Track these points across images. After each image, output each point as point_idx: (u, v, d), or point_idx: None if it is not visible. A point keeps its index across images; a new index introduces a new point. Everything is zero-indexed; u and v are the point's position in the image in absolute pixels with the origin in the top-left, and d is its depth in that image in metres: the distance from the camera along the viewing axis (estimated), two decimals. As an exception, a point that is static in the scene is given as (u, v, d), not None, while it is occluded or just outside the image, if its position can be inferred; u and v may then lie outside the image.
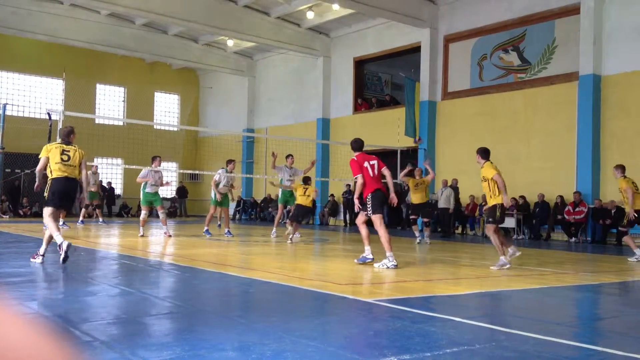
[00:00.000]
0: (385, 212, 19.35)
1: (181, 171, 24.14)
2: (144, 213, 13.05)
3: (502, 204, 8.41)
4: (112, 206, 25.87)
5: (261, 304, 5.30)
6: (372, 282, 6.91)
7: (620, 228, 11.04)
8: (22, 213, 22.24)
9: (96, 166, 17.56)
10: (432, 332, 3.95)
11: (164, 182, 13.20)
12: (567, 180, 16.16)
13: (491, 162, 8.65)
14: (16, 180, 22.67)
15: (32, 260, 7.47)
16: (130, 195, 25.61)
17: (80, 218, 17.38)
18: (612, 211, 14.64)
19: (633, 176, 10.24)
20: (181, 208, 27.75)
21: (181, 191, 27.89)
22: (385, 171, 8.37)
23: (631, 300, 6.52)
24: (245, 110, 27.57)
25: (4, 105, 14.12)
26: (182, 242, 12.39)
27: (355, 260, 8.28)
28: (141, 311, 4.71)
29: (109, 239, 13.29)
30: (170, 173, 29.04)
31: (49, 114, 12.92)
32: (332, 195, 22.65)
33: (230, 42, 25.50)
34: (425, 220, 13.50)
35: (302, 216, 12.74)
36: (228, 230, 13.83)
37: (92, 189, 17.25)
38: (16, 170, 21.19)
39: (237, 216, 25.70)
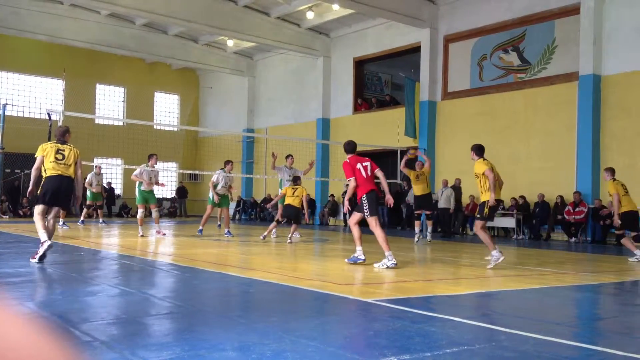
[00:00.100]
0: (385, 212, 19.54)
1: (181, 171, 24.14)
2: (140, 211, 13.03)
3: (489, 201, 8.39)
4: (112, 206, 25.86)
5: (261, 304, 5.29)
6: (372, 282, 6.91)
7: (615, 232, 11.04)
8: (22, 213, 22.23)
9: (99, 167, 17.51)
10: (432, 332, 3.95)
11: (159, 182, 13.19)
12: (567, 180, 16.16)
13: (484, 159, 8.64)
14: (16, 181, 22.67)
15: (31, 260, 7.47)
16: (130, 196, 25.51)
17: (81, 218, 17.38)
18: (611, 212, 14.64)
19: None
20: (181, 208, 27.75)
21: (181, 191, 27.89)
22: (379, 173, 8.42)
23: (631, 300, 6.52)
24: (245, 110, 27.57)
25: (4, 106, 14.12)
26: (182, 242, 12.40)
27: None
28: (141, 311, 4.71)
29: (109, 239, 13.28)
30: (170, 173, 29.06)
31: (48, 114, 12.93)
32: (332, 195, 22.66)
33: (230, 42, 25.51)
34: (427, 213, 13.47)
35: (288, 216, 12.70)
36: (228, 231, 13.83)
37: (95, 190, 17.23)
38: (16, 171, 21.21)
39: (237, 216, 25.70)
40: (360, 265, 8.06)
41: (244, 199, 26.39)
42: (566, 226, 15.77)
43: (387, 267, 7.72)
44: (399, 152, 18.89)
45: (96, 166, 17.49)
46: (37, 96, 26.02)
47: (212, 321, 4.27)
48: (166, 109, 30.42)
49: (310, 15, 21.50)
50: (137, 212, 13.23)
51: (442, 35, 19.53)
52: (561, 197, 15.98)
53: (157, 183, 13.06)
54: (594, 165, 15.55)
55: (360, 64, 23.11)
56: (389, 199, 8.31)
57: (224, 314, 4.60)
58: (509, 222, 16.72)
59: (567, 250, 13.07)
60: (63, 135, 7.85)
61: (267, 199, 24.79)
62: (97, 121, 24.44)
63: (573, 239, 15.53)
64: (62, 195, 7.64)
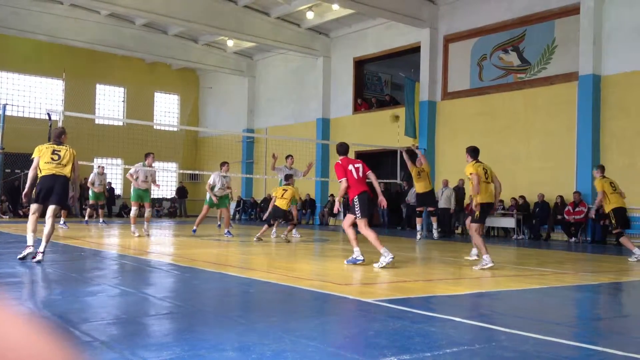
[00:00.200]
0: (385, 212, 19.53)
1: (181, 171, 24.15)
2: (134, 209, 13.00)
3: (481, 203, 8.42)
4: (112, 206, 25.86)
5: (261, 304, 5.30)
6: (372, 282, 6.91)
7: (613, 231, 11.06)
8: (22, 213, 22.21)
9: (102, 167, 17.51)
10: (432, 332, 3.95)
11: (156, 181, 13.17)
12: (567, 180, 16.16)
13: (475, 162, 8.67)
14: (16, 181, 22.66)
15: (32, 260, 7.48)
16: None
17: (86, 218, 17.45)
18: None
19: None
20: (181, 208, 27.75)
21: (181, 191, 27.89)
22: (371, 175, 8.54)
23: (631, 300, 6.52)
24: (245, 111, 27.57)
25: (4, 106, 14.14)
26: (182, 242, 12.39)
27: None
28: (141, 311, 4.71)
29: (109, 239, 13.28)
30: (170, 173, 29.06)
31: (48, 114, 12.92)
32: (331, 195, 22.66)
33: (230, 42, 25.51)
34: (430, 209, 13.45)
35: (277, 218, 12.70)
36: (228, 231, 13.83)
37: (97, 190, 17.23)
38: (16, 171, 21.20)
39: (237, 216, 25.70)
40: (359, 265, 8.07)
41: (243, 199, 26.40)
42: (566, 226, 15.77)
43: (387, 264, 7.71)
44: (398, 152, 18.88)
45: (99, 166, 17.50)
46: (37, 96, 26.01)
47: (212, 321, 4.27)
48: (166, 109, 30.42)
49: (310, 15, 21.50)
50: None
51: (442, 35, 19.53)
52: (561, 197, 15.98)
53: (153, 181, 13.04)
54: (594, 165, 15.53)
55: (360, 64, 23.10)
56: (382, 200, 8.41)
57: (224, 314, 4.60)
58: (509, 222, 16.72)
59: (567, 250, 13.08)
60: (59, 136, 7.98)
61: (267, 199, 24.79)
62: (97, 121, 24.44)
63: (573, 239, 15.53)
64: (56, 193, 7.67)
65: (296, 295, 5.70)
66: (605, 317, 5.27)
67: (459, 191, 17.18)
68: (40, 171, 7.67)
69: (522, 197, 16.69)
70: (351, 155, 8.95)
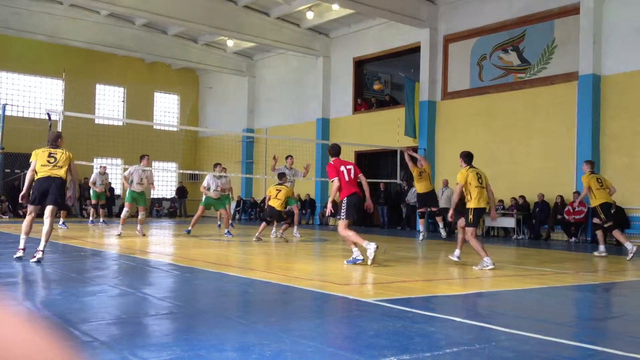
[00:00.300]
0: (385, 212, 19.53)
1: (181, 171, 24.14)
2: (125, 210, 12.96)
3: (475, 208, 8.52)
4: (111, 207, 25.85)
5: (261, 304, 5.29)
6: (372, 282, 6.91)
7: (604, 225, 11.19)
8: (22, 213, 22.20)
9: (104, 167, 17.51)
10: (432, 332, 3.95)
11: (153, 182, 13.16)
12: (567, 180, 16.16)
13: (468, 168, 8.74)
14: (16, 181, 22.65)
15: (31, 260, 7.48)
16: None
17: (90, 218, 17.50)
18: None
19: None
20: (181, 208, 27.75)
21: (181, 191, 27.89)
22: (362, 178, 8.62)
23: (631, 300, 6.52)
24: (245, 111, 27.56)
25: (4, 106, 14.13)
26: (181, 242, 12.39)
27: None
28: (141, 311, 4.71)
29: (109, 239, 13.27)
30: (170, 173, 29.05)
31: (48, 114, 12.91)
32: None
33: (230, 42, 25.51)
34: (434, 209, 13.45)
35: (271, 217, 12.75)
36: (228, 231, 13.84)
37: (99, 190, 17.23)
38: (16, 171, 21.19)
39: (237, 216, 25.69)
40: (359, 265, 8.07)
41: (243, 199, 26.39)
42: (566, 226, 15.77)
43: (374, 254, 7.82)
44: (399, 152, 18.88)
45: (100, 166, 17.51)
46: (37, 96, 26.00)
47: (211, 321, 4.27)
48: (166, 109, 30.41)
49: (310, 15, 21.50)
50: (135, 212, 13.21)
51: (442, 35, 19.53)
52: (561, 197, 15.98)
53: (149, 183, 13.03)
54: (594, 165, 15.54)
55: (360, 64, 23.10)
56: (369, 205, 8.54)
57: (223, 314, 4.59)
58: (509, 222, 16.72)
59: (567, 250, 13.08)
60: (55, 140, 8.12)
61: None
62: (96, 121, 24.43)
63: (573, 239, 15.53)
64: (52, 193, 7.73)
65: (296, 295, 5.70)
66: (605, 317, 5.27)
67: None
68: (37, 174, 7.80)
69: (522, 197, 16.69)
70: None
